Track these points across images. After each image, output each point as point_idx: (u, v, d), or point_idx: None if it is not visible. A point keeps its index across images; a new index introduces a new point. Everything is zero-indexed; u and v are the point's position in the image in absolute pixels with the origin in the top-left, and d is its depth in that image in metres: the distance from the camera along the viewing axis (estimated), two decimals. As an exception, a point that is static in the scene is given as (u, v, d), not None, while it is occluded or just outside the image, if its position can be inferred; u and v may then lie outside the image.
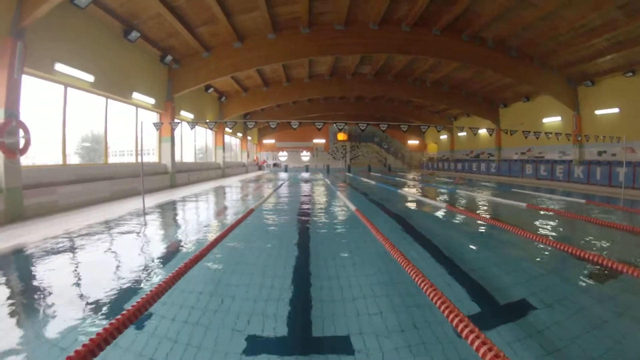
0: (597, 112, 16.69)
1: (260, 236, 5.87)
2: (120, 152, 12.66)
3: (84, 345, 2.10)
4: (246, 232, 6.05)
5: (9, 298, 3.23)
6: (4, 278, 3.76)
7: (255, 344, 2.52)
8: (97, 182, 9.62)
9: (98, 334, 2.24)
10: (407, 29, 14.05)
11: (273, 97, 22.53)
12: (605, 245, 5.25)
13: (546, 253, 4.83)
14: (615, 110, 15.83)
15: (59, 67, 8.45)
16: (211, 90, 19.29)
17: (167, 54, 13.42)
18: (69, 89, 9.09)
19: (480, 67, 16.22)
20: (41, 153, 8.78)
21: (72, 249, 4.82)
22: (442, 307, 2.70)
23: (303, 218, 7.30)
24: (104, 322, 2.64)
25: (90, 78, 9.54)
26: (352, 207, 8.17)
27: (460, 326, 2.40)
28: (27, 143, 7.20)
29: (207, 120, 13.91)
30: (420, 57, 16.13)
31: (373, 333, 2.63)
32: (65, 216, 7.24)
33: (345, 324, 2.76)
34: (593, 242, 5.47)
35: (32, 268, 4.07)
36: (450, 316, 2.57)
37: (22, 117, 7.08)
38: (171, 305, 3.05)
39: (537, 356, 2.32)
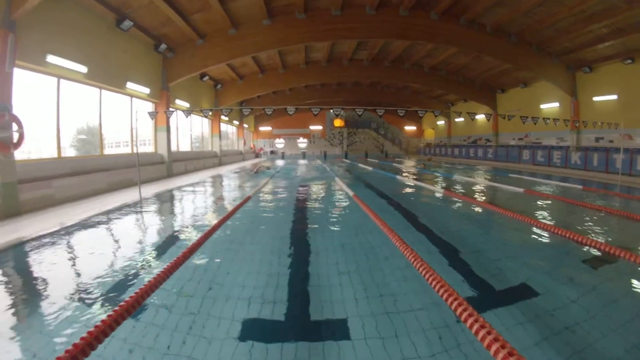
0: (595, 98, 16.66)
1: (258, 222, 6.01)
2: (117, 144, 12.56)
3: (82, 339, 2.12)
4: (244, 218, 6.21)
5: (7, 293, 3.27)
6: (1, 273, 3.79)
7: (253, 329, 2.58)
8: (93, 174, 9.57)
9: (96, 326, 2.26)
10: (405, 13, 13.82)
11: (269, 84, 22.31)
12: (601, 230, 5.34)
13: (543, 236, 4.96)
14: (614, 97, 15.79)
15: (51, 58, 8.30)
16: (206, 78, 19.05)
17: (161, 43, 13.19)
18: (62, 80, 8.94)
19: (479, 52, 16.07)
20: (37, 147, 8.70)
21: (68, 242, 4.87)
22: (441, 291, 2.76)
23: (300, 204, 7.42)
24: (102, 313, 2.68)
25: (83, 69, 9.39)
26: (350, 193, 8.30)
27: (459, 310, 2.44)
28: (21, 137, 7.12)
29: (202, 109, 13.79)
30: (418, 42, 15.93)
31: (370, 316, 2.69)
32: (62, 209, 7.26)
33: (342, 308, 2.82)
34: (589, 226, 5.56)
35: (29, 263, 4.10)
36: (449, 300, 2.61)
37: (16, 111, 6.99)
38: (169, 293, 3.10)
39: (535, 341, 2.36)
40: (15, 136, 7.02)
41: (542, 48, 16.24)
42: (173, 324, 2.63)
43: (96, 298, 3.04)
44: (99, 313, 2.76)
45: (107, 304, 2.90)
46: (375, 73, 22.12)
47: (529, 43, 15.93)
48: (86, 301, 2.99)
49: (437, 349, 2.31)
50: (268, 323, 2.67)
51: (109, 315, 2.42)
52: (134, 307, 2.67)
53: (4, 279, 3.65)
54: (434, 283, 2.93)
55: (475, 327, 2.20)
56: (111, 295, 3.09)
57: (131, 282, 3.34)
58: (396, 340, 2.39)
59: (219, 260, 4.05)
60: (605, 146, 15.96)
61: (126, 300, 2.68)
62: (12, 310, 2.94)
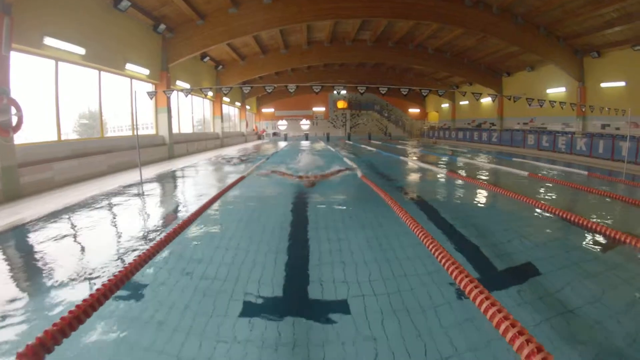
0: (603, 84, 16.33)
1: (254, 200, 6.26)
2: (119, 128, 12.59)
3: (77, 306, 2.22)
4: (240, 195, 6.52)
5: (5, 274, 3.33)
6: (2, 252, 3.92)
7: (252, 306, 2.61)
8: (93, 156, 9.63)
9: (84, 299, 2.34)
10: (409, -8, 13.51)
11: (271, 64, 22.06)
12: (605, 215, 5.35)
13: (545, 219, 5.03)
14: (622, 83, 15.46)
15: (48, 41, 8.22)
16: (207, 59, 18.83)
17: (160, 23, 12.96)
18: (60, 63, 8.90)
19: (485, 33, 15.69)
20: (38, 130, 8.71)
21: (66, 223, 4.96)
22: (451, 269, 2.77)
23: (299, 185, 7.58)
24: (91, 289, 2.73)
25: (81, 51, 9.30)
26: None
27: (469, 287, 2.44)
28: (20, 120, 7.13)
29: (202, 87, 13.63)
30: (422, 22, 15.56)
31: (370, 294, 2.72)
32: (62, 192, 7.36)
33: (344, 286, 2.85)
34: (593, 211, 5.57)
35: (29, 244, 4.18)
36: (460, 277, 2.62)
37: (14, 95, 6.98)
38: (167, 270, 3.16)
39: (539, 320, 2.37)
40: (14, 120, 7.04)
41: (549, 31, 15.81)
42: (171, 298, 2.70)
43: (90, 277, 3.10)
44: (87, 289, 2.81)
45: (95, 280, 2.95)
46: (378, 54, 21.75)
47: (537, 25, 15.51)
48: (78, 278, 3.06)
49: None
50: (266, 301, 2.69)
51: (97, 290, 2.48)
52: (123, 281, 2.73)
53: (4, 257, 3.76)
54: (443, 261, 2.97)
55: (485, 304, 2.18)
56: (104, 273, 3.12)
57: (124, 261, 3.38)
58: (394, 316, 2.41)
59: (215, 235, 4.11)
60: (612, 133, 15.73)
61: (115, 274, 2.72)
62: (9, 290, 2.99)
